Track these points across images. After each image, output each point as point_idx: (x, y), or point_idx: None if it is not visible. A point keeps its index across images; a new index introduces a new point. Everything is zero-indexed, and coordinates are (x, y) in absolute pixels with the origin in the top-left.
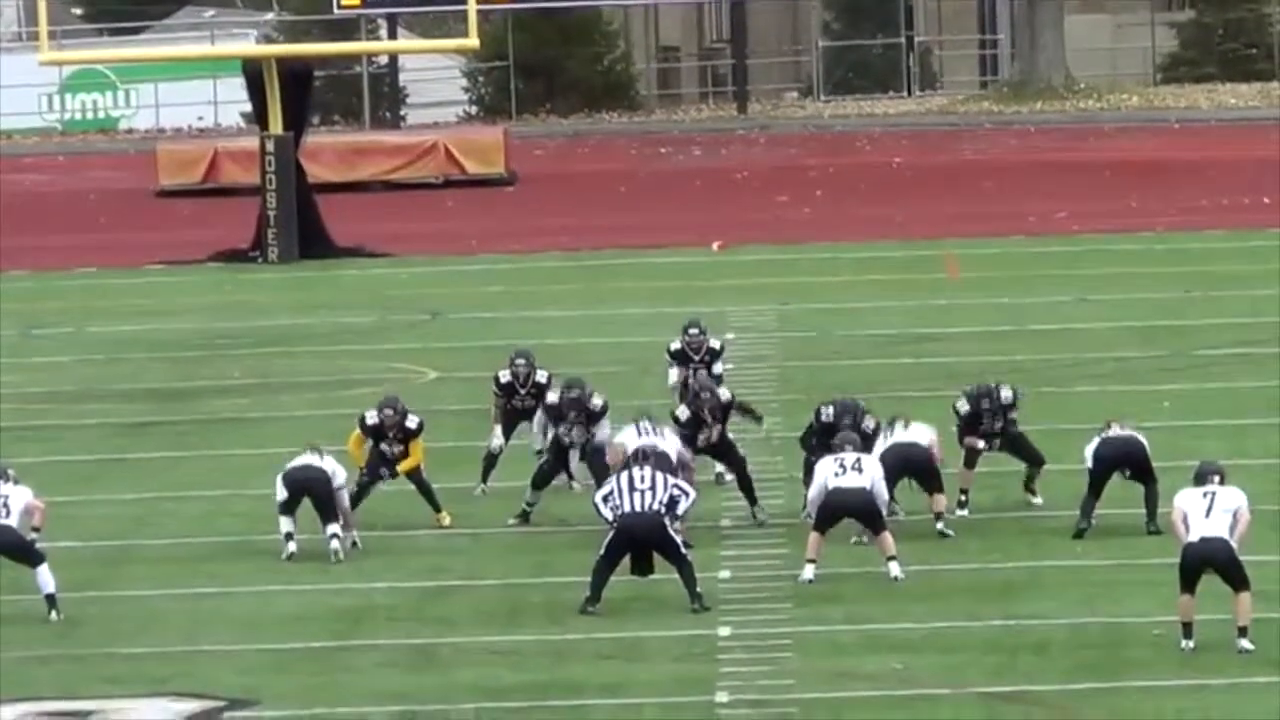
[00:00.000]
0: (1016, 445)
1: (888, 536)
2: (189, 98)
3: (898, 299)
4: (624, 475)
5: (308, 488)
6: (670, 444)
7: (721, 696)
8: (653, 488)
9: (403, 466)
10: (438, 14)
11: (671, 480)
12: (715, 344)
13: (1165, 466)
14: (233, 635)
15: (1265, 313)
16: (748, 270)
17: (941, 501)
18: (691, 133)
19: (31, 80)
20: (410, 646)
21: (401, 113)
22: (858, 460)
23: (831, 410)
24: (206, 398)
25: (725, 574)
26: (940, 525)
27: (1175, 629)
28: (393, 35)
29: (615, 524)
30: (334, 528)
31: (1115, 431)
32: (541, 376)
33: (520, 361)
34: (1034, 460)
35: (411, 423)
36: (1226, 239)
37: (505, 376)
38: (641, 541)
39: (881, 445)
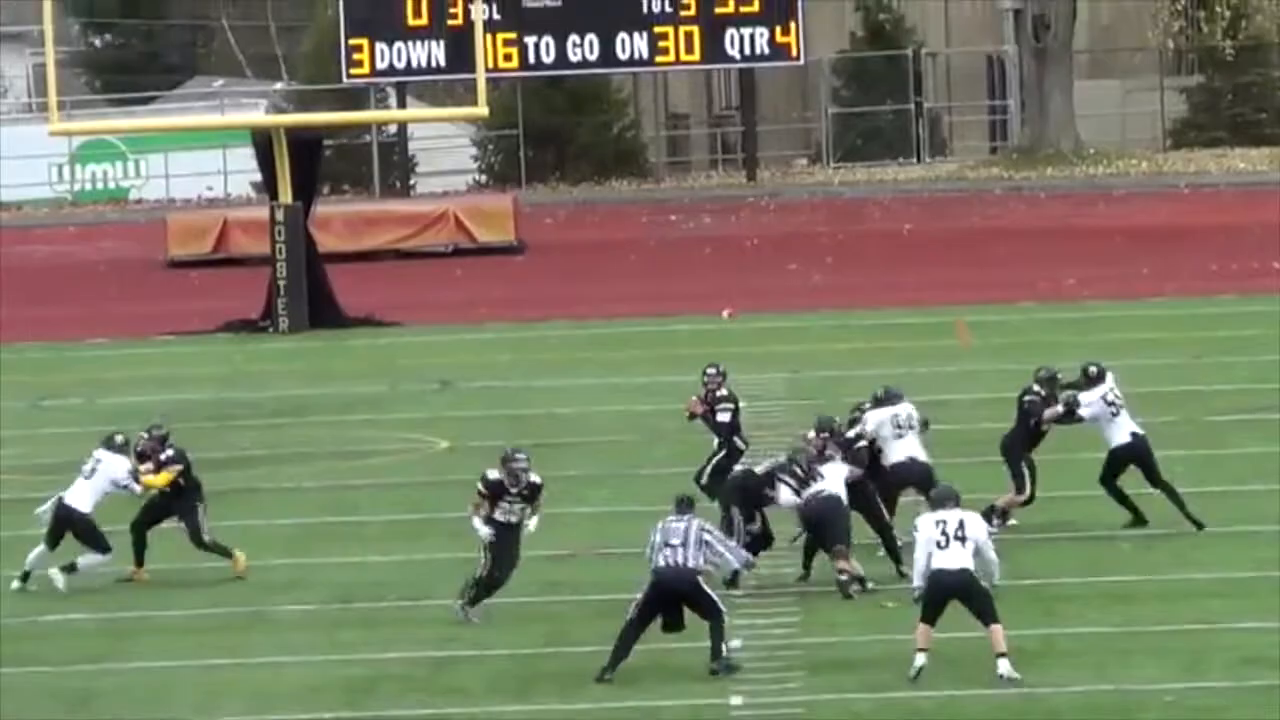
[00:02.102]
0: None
1: (998, 630)
2: (199, 168)
3: (908, 366)
4: (659, 528)
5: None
6: (835, 472)
7: None
8: (684, 543)
9: (154, 481)
10: (447, 83)
11: (705, 533)
12: (723, 392)
13: (1176, 534)
14: (245, 706)
15: (1273, 378)
16: (758, 338)
17: None
18: (701, 200)
19: (41, 151)
20: (423, 717)
21: (411, 181)
22: (960, 525)
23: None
24: (217, 468)
25: (737, 643)
26: None
27: (1191, 693)
28: (402, 104)
29: (652, 577)
30: (84, 561)
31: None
32: (536, 478)
33: (520, 457)
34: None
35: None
36: (1236, 304)
37: (494, 474)
38: (676, 595)
39: None
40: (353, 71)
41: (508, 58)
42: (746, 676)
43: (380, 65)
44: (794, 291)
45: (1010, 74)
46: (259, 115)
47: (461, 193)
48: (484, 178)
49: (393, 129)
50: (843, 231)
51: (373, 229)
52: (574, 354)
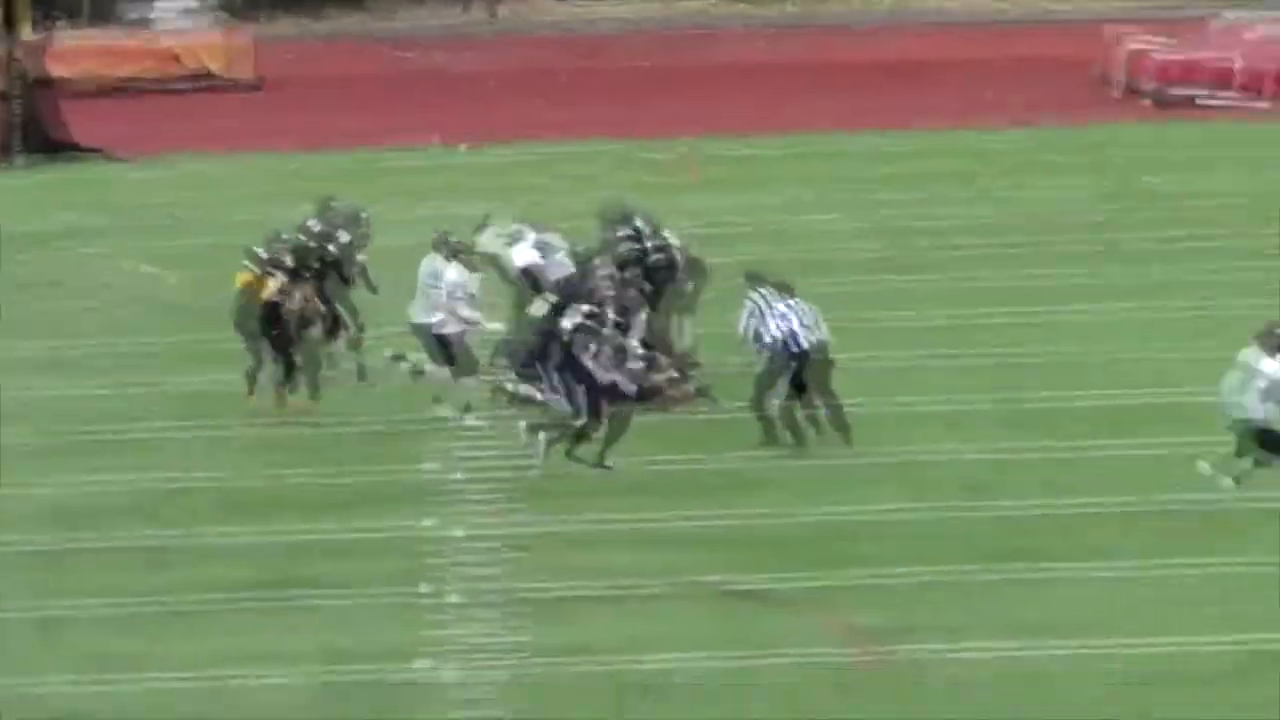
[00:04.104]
0: None
1: None
2: None
3: (643, 199)
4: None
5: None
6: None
7: (453, 598)
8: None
9: None
10: None
11: None
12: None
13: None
14: None
15: (994, 209)
16: (496, 171)
17: None
18: (441, 36)
19: None
20: (142, 547)
21: (151, 15)
22: None
23: None
24: None
25: (459, 476)
26: None
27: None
28: None
29: None
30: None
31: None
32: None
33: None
34: None
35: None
36: (963, 138)
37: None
38: None
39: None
40: None
41: None
42: (464, 503)
43: None
44: (533, 125)
45: None
46: None
47: (200, 29)
48: (223, 14)
49: None
50: (582, 67)
51: (111, 63)
52: (317, 185)
